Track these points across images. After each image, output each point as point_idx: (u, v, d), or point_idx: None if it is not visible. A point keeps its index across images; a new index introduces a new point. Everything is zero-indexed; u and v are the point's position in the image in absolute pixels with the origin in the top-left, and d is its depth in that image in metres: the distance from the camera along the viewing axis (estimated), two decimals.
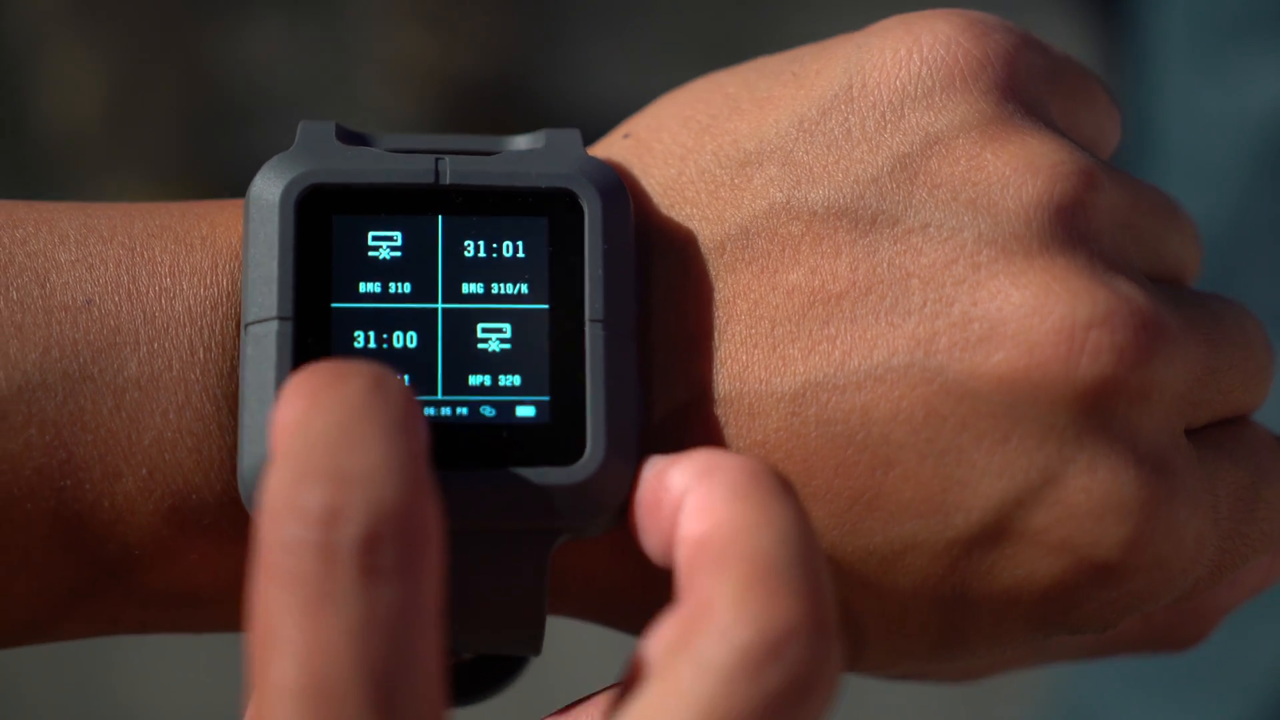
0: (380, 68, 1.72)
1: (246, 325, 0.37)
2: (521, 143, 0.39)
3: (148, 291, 0.37)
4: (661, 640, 0.32)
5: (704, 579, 0.32)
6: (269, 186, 0.37)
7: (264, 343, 0.36)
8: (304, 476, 0.31)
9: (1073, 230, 0.37)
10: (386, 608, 0.30)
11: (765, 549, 0.32)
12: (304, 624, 0.30)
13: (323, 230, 0.37)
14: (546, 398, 0.37)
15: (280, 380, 0.36)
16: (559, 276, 0.38)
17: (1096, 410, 0.36)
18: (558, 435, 0.37)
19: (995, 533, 0.37)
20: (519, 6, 1.72)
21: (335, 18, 1.76)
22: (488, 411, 0.37)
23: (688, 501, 0.34)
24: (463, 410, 0.37)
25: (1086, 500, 0.36)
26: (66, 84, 1.60)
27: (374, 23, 1.71)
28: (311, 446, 0.31)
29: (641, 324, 0.38)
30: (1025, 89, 0.39)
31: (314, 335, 0.37)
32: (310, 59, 1.78)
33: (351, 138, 0.39)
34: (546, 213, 0.38)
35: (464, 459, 0.36)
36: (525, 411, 0.37)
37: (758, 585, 0.32)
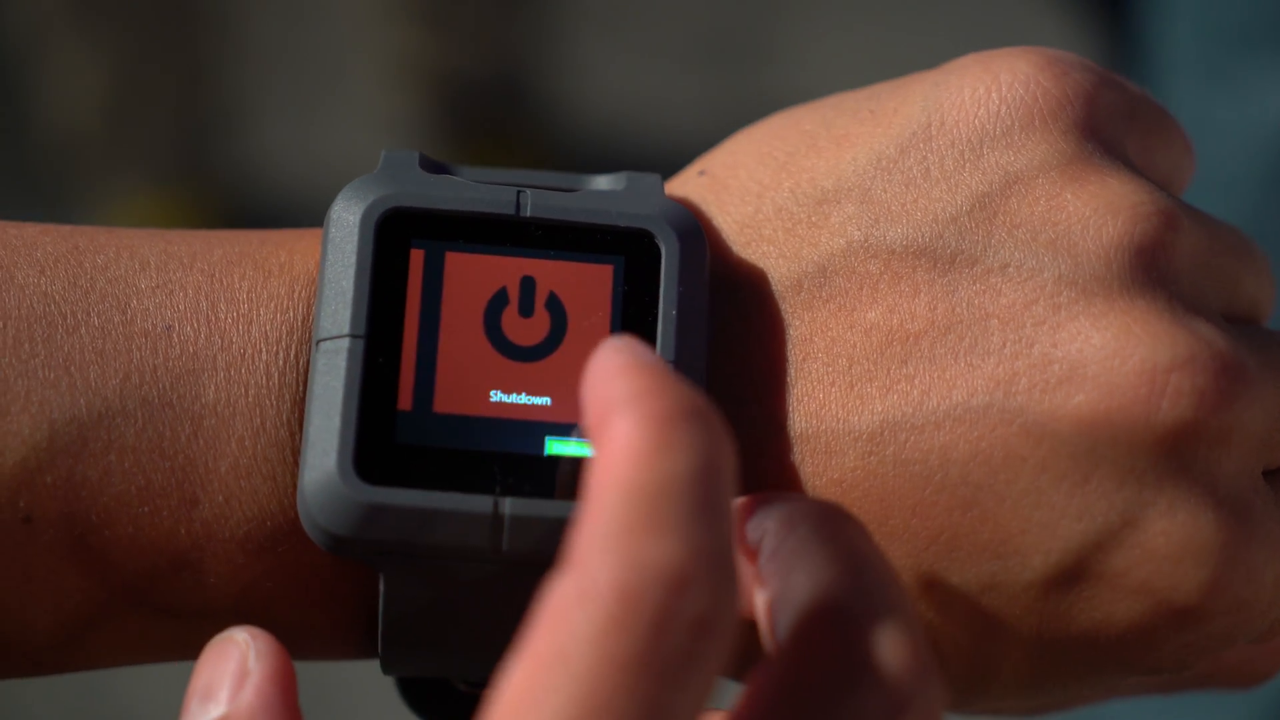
0: (379, 67, 1.72)
1: (318, 342, 0.37)
2: (602, 182, 0.40)
3: (226, 318, 0.38)
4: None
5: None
6: (350, 208, 0.38)
7: (334, 359, 0.36)
8: (657, 523, 0.29)
9: (1152, 272, 0.37)
10: (684, 701, 0.29)
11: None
12: (605, 678, 0.29)
13: (401, 253, 0.37)
14: None
15: (349, 397, 0.36)
16: (632, 316, 0.38)
17: (1176, 453, 0.36)
18: None
19: (1074, 575, 0.37)
20: (516, 5, 1.72)
21: (334, 17, 1.76)
22: (557, 447, 0.37)
23: (765, 546, 0.33)
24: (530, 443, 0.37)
25: (1166, 544, 0.36)
26: (67, 85, 1.60)
27: (372, 22, 1.71)
28: (666, 490, 0.30)
29: (715, 362, 0.38)
30: (1104, 128, 0.39)
31: (385, 355, 0.37)
32: (309, 59, 1.78)
33: (434, 166, 0.39)
34: (624, 252, 0.38)
35: (529, 492, 0.36)
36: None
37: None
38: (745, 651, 0.38)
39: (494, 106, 1.71)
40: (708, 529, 0.30)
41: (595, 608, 0.29)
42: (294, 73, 1.78)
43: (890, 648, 0.31)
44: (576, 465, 0.37)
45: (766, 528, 0.34)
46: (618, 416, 0.31)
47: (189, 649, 0.39)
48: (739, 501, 0.35)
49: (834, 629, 0.31)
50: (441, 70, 1.69)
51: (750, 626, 0.36)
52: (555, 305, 0.38)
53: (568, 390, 0.37)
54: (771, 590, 0.33)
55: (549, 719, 0.29)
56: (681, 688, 0.29)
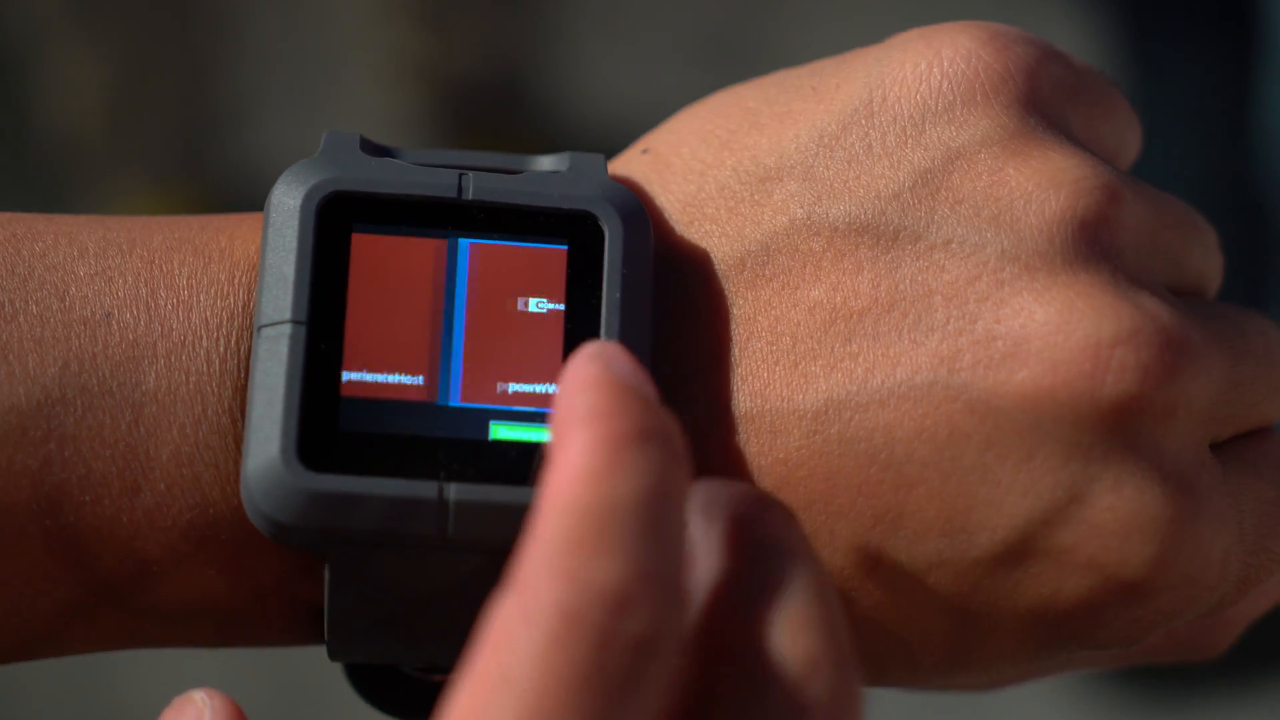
0: (378, 67, 1.71)
1: (260, 328, 0.37)
2: (545, 163, 0.39)
3: (166, 304, 0.37)
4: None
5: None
6: (290, 192, 0.37)
7: (276, 345, 0.36)
8: (600, 544, 0.29)
9: (1096, 246, 0.37)
10: (630, 717, 0.29)
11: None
12: (548, 698, 0.29)
13: (341, 238, 0.37)
14: None
15: (291, 383, 0.36)
16: (575, 298, 0.37)
17: (1122, 428, 0.36)
18: None
19: (1020, 551, 0.37)
20: (516, 4, 1.71)
21: (334, 16, 1.76)
22: (501, 432, 0.37)
23: (689, 536, 0.33)
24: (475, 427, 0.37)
25: (1112, 519, 0.36)
26: (67, 84, 1.59)
27: (372, 22, 1.70)
28: (611, 512, 0.30)
29: (659, 343, 0.38)
30: (1047, 102, 0.39)
31: (327, 341, 0.36)
32: (309, 59, 1.77)
33: (376, 149, 0.39)
34: (566, 233, 0.38)
35: (474, 476, 0.36)
36: (538, 433, 0.37)
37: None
38: None
39: (493, 106, 1.70)
40: (652, 550, 0.30)
41: (538, 627, 0.29)
42: (294, 72, 1.77)
43: (799, 643, 0.31)
44: (521, 450, 0.36)
45: (689, 516, 0.33)
46: (574, 433, 0.31)
47: (140, 638, 0.38)
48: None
49: (736, 623, 0.31)
50: (441, 70, 1.68)
51: None
52: (498, 289, 0.38)
53: (511, 374, 0.37)
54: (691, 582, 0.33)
55: None
56: (625, 707, 0.29)
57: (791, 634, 0.31)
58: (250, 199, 1.69)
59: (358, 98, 1.75)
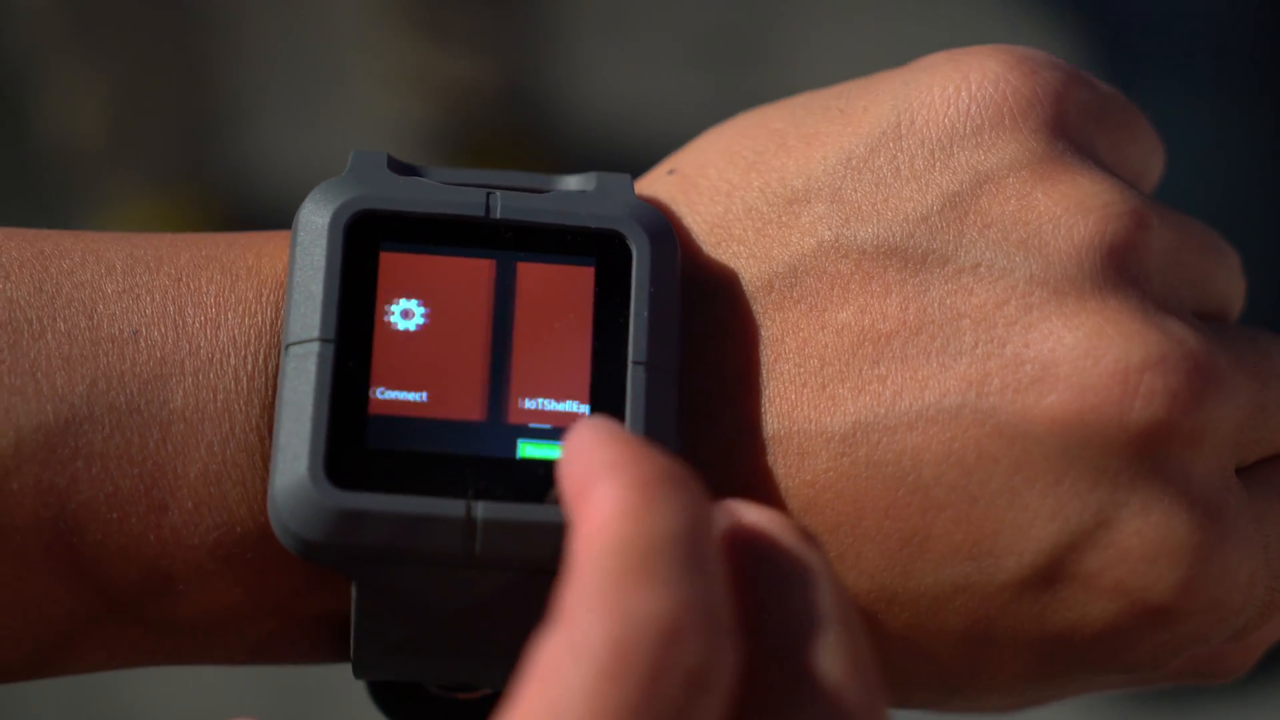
0: (382, 70, 1.71)
1: (288, 346, 0.37)
2: (572, 183, 0.39)
3: (193, 322, 0.37)
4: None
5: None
6: (318, 210, 0.37)
7: (304, 363, 0.36)
8: (647, 577, 0.29)
9: (1124, 271, 0.37)
10: None
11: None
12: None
13: (369, 256, 0.37)
14: None
15: (319, 401, 0.36)
16: (604, 317, 0.37)
17: (1150, 453, 0.36)
18: None
19: (1048, 576, 0.37)
20: (516, 8, 1.71)
21: (335, 20, 1.75)
22: (529, 450, 0.37)
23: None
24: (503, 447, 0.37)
25: (1140, 544, 0.36)
26: (67, 92, 1.59)
27: (373, 26, 1.70)
28: (654, 546, 0.30)
29: (687, 363, 0.38)
30: (1074, 126, 0.39)
31: (355, 359, 0.36)
32: (311, 61, 1.77)
33: (403, 168, 0.39)
34: (595, 253, 0.38)
35: (502, 495, 0.36)
36: None
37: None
38: None
39: (494, 110, 1.70)
40: (698, 582, 0.30)
41: (588, 662, 0.29)
42: (294, 75, 1.77)
43: (825, 661, 0.31)
44: (549, 468, 0.36)
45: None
46: (600, 483, 0.31)
47: (162, 655, 0.38)
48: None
49: (764, 643, 0.31)
50: (442, 75, 1.68)
51: None
52: (527, 307, 0.38)
53: (540, 393, 0.37)
54: None
55: None
56: None
57: (817, 660, 0.31)
58: (252, 202, 1.69)
59: (361, 101, 1.75)
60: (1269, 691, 1.44)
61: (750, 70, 1.78)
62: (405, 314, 0.37)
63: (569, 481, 0.32)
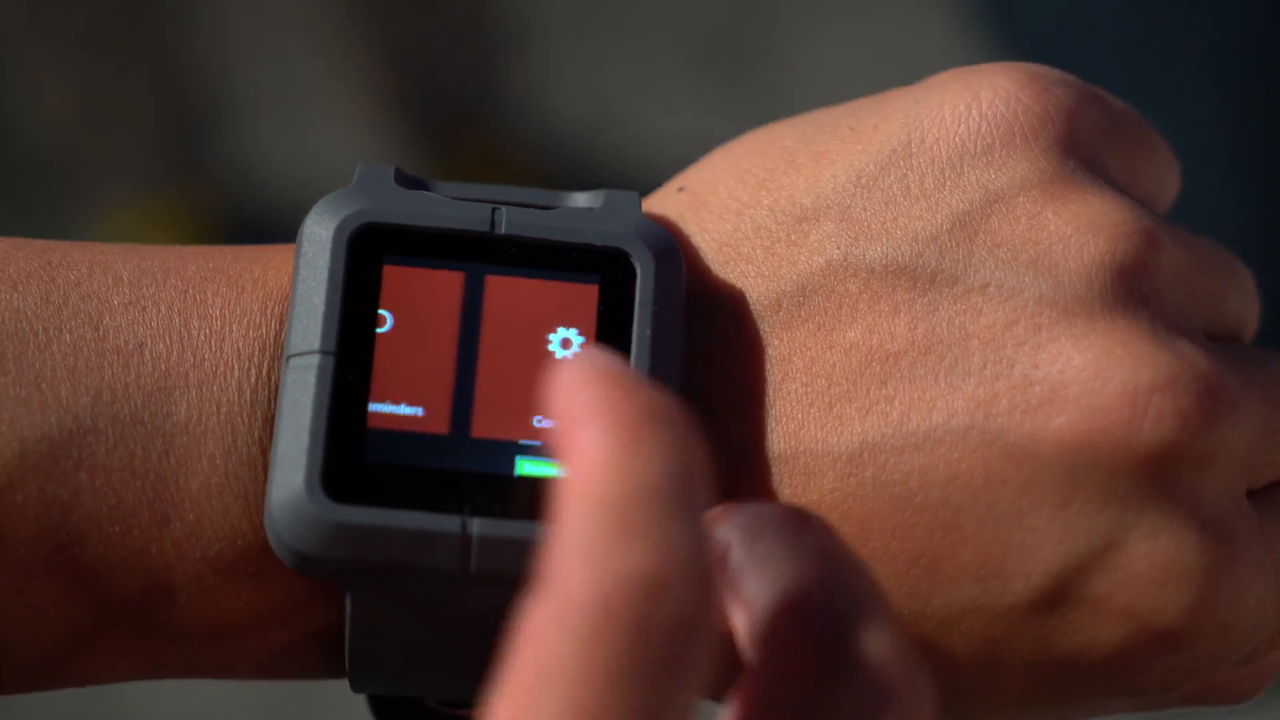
0: (359, 68, 1.70)
1: (289, 358, 0.37)
2: (580, 199, 0.39)
3: (198, 334, 0.37)
4: None
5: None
6: (323, 223, 0.37)
7: (304, 376, 0.36)
8: (630, 531, 0.29)
9: (1134, 292, 0.37)
10: (674, 705, 0.28)
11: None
12: (591, 691, 0.28)
13: (373, 269, 0.37)
14: None
15: (318, 414, 0.36)
16: (607, 335, 0.37)
17: (1159, 475, 0.36)
18: None
19: (1055, 598, 0.36)
20: (498, 11, 1.71)
21: (312, 15, 1.74)
22: (527, 467, 0.37)
23: (732, 556, 0.33)
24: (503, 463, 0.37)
25: (1149, 567, 0.36)
26: (42, 97, 1.59)
27: (355, 31, 1.69)
28: (636, 497, 0.29)
29: (693, 381, 0.38)
30: (1086, 145, 0.38)
31: (355, 372, 0.36)
32: (292, 60, 1.76)
33: (410, 182, 0.39)
34: (599, 270, 0.38)
35: (498, 511, 0.36)
36: None
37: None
38: (724, 671, 0.38)
39: (467, 110, 1.69)
40: (681, 531, 0.29)
41: (575, 621, 0.28)
42: (279, 76, 1.77)
43: (868, 642, 0.30)
44: (547, 486, 0.36)
45: (731, 537, 0.33)
46: (582, 428, 0.30)
47: (163, 669, 0.38)
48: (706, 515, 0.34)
49: (808, 628, 0.31)
50: (422, 76, 1.67)
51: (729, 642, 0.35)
52: (529, 325, 0.37)
53: (538, 410, 0.37)
54: (743, 599, 0.32)
55: None
56: (671, 693, 0.28)
57: (869, 636, 0.30)
58: (244, 207, 1.69)
59: (351, 102, 1.74)
60: (1270, 695, 1.43)
61: (750, 74, 1.78)
62: (406, 328, 0.37)
63: (555, 424, 0.31)
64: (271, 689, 1.41)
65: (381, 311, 0.37)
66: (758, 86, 1.75)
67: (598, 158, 1.70)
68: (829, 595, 0.31)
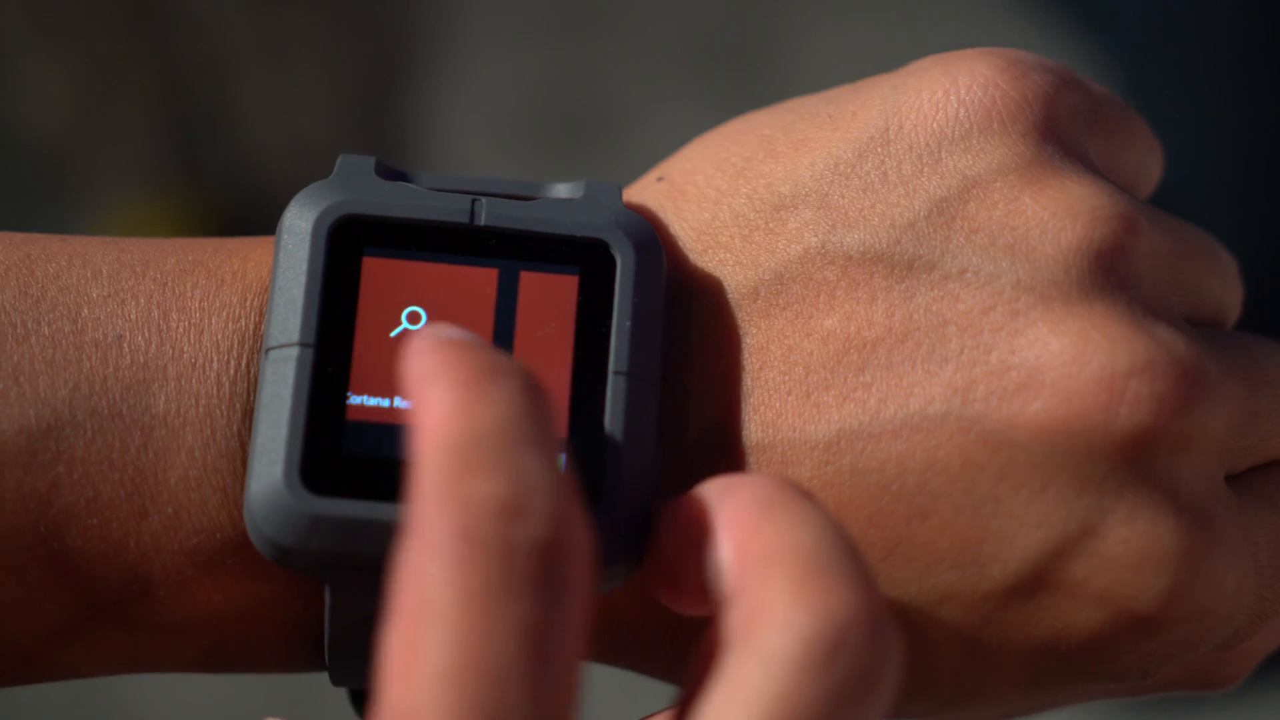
0: (363, 68, 1.69)
1: (268, 350, 0.37)
2: (561, 190, 0.39)
3: (177, 327, 0.37)
4: (716, 642, 0.32)
5: (754, 583, 0.32)
6: (302, 214, 0.37)
7: (283, 368, 0.36)
8: (478, 465, 0.31)
9: (1112, 276, 0.37)
10: (555, 616, 0.30)
11: (809, 544, 0.32)
12: (470, 612, 0.30)
13: (352, 261, 0.37)
14: (562, 447, 0.36)
15: (297, 406, 0.36)
16: (586, 326, 0.37)
17: (1136, 460, 0.36)
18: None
19: (1033, 584, 0.36)
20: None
21: (315, 24, 1.74)
22: None
23: (719, 523, 0.33)
24: None
25: (1125, 551, 0.36)
26: (37, 96, 1.59)
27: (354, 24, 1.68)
28: (481, 437, 0.31)
29: (672, 370, 0.38)
30: (1064, 130, 0.38)
31: (334, 364, 0.36)
32: (286, 54, 1.76)
33: (390, 173, 0.39)
34: (579, 261, 0.38)
35: None
36: None
37: (811, 578, 0.31)
38: (673, 653, 0.38)
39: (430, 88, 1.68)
40: (529, 460, 0.31)
41: (441, 552, 0.30)
42: (275, 74, 1.76)
43: (844, 591, 0.31)
44: None
45: (713, 506, 0.34)
46: (428, 388, 0.32)
47: (143, 663, 0.38)
48: (687, 495, 0.35)
49: (784, 574, 0.32)
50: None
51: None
52: (508, 315, 0.37)
53: None
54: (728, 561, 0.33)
55: (433, 669, 0.29)
56: (548, 609, 0.30)
57: (828, 587, 0.31)
58: (242, 201, 1.68)
59: (342, 102, 1.73)
60: (1270, 695, 1.43)
61: (750, 73, 1.78)
62: (386, 320, 0.37)
63: (407, 386, 0.33)
64: (272, 687, 1.41)
65: (361, 303, 0.37)
66: (757, 85, 1.74)
67: (598, 157, 1.69)
68: (803, 538, 0.32)
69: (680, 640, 0.38)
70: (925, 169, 0.38)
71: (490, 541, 0.30)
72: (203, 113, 1.68)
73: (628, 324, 0.37)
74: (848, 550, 0.32)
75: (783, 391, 0.37)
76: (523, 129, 1.77)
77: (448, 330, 0.33)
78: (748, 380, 0.37)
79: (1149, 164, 0.41)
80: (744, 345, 0.38)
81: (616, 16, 1.81)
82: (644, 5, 1.82)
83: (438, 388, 0.32)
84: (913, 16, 1.77)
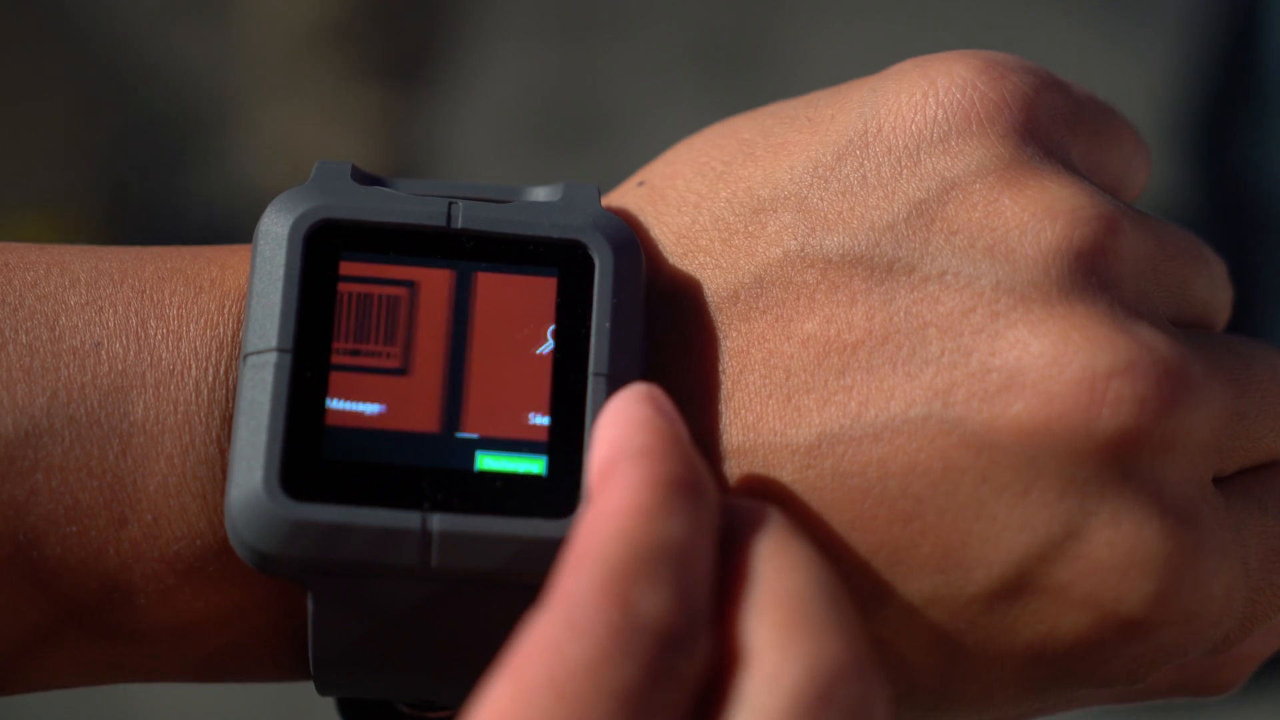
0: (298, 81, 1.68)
1: (246, 356, 0.36)
2: (539, 193, 0.39)
3: (156, 334, 0.37)
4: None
5: (739, 624, 0.32)
6: (278, 220, 0.37)
7: (261, 373, 0.36)
8: (653, 576, 0.32)
9: (1092, 277, 0.36)
10: None
11: (796, 591, 0.32)
12: (597, 700, 0.30)
13: (329, 266, 0.37)
14: (544, 450, 0.36)
15: (275, 411, 0.36)
16: (565, 328, 0.37)
17: (1119, 461, 0.35)
18: (553, 488, 0.36)
19: (1017, 587, 0.36)
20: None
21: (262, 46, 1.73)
22: (487, 462, 0.36)
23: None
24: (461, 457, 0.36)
25: (1110, 554, 0.35)
26: None
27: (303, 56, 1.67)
28: (666, 551, 0.32)
29: (651, 375, 0.37)
30: (1044, 132, 0.38)
31: (312, 369, 0.36)
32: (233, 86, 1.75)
33: (367, 179, 0.39)
34: (557, 263, 0.37)
35: (459, 507, 0.36)
36: (525, 464, 0.36)
37: (799, 626, 0.32)
38: None
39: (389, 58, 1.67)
40: (701, 595, 0.32)
41: (589, 640, 0.31)
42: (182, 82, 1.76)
43: (831, 640, 0.32)
44: (507, 480, 0.36)
45: None
46: (626, 468, 0.33)
47: (125, 671, 0.38)
48: None
49: (771, 621, 0.32)
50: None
51: None
52: (487, 318, 0.37)
53: (498, 404, 0.37)
54: None
55: None
56: None
57: (815, 636, 0.32)
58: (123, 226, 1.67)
59: (267, 110, 1.73)
60: (1272, 699, 1.42)
61: (750, 73, 1.78)
62: (363, 324, 0.37)
63: (596, 455, 0.34)
64: (271, 691, 1.41)
65: (339, 308, 0.37)
66: (758, 86, 1.74)
67: (598, 158, 1.69)
68: (791, 583, 0.33)
69: None
70: (904, 171, 0.37)
71: (640, 657, 0.31)
72: (107, 136, 1.65)
73: (607, 325, 0.37)
74: (835, 595, 0.32)
75: (763, 395, 0.37)
76: (523, 130, 1.77)
77: (665, 406, 0.35)
78: (728, 384, 0.37)
79: (1134, 166, 0.41)
80: (724, 349, 0.37)
81: (617, 17, 1.81)
82: (644, 6, 1.82)
83: (635, 474, 0.33)
84: (913, 16, 1.77)
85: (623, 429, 0.34)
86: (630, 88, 1.77)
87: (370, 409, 0.36)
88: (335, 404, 0.36)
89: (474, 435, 0.36)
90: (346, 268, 0.37)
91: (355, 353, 0.37)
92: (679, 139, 0.41)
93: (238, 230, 1.66)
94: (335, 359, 0.37)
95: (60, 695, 1.45)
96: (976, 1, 1.77)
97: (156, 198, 1.71)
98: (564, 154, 1.73)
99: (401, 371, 0.37)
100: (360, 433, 0.36)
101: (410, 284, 0.37)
